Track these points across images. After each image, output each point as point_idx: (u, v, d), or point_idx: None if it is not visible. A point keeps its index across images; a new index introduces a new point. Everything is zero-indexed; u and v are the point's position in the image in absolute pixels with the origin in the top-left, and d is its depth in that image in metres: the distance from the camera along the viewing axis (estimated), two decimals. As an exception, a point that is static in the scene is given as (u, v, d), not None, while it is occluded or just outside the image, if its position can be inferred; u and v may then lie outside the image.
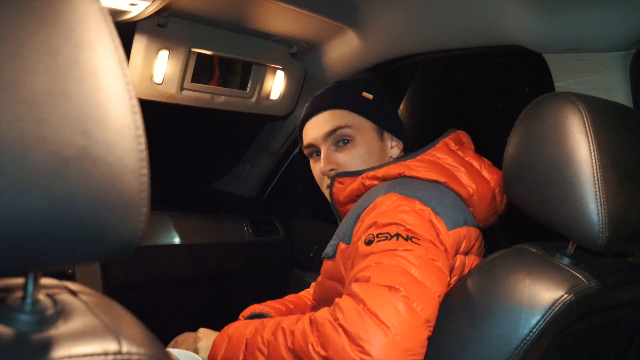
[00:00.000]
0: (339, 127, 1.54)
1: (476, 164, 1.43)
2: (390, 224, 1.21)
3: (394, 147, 1.61)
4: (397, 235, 1.19)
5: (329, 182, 1.56)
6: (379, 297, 1.07)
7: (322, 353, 1.07)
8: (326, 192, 1.58)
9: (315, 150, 1.62)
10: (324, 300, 1.41)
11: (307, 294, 1.82)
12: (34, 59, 0.47)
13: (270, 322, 1.25)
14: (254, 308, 1.65)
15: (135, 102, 0.52)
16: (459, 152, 1.45)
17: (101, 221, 0.48)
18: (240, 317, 1.63)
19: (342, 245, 1.36)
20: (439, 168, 1.38)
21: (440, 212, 1.27)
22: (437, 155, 1.43)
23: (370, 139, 1.56)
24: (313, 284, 1.85)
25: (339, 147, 1.56)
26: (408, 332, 1.04)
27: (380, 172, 1.41)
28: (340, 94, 1.60)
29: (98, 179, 0.47)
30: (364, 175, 1.44)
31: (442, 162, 1.41)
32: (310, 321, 1.14)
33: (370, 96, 1.59)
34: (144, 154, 0.51)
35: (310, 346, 1.09)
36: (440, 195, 1.31)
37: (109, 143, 0.49)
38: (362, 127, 1.56)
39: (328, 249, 1.41)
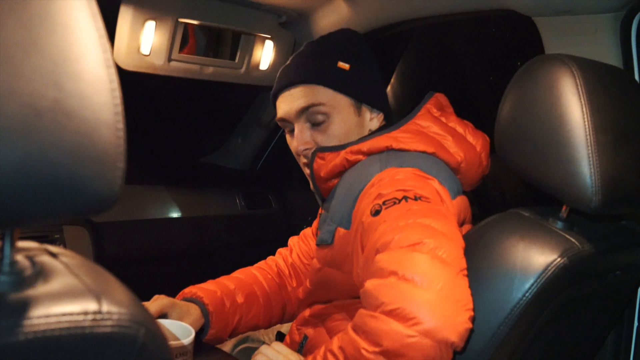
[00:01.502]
0: (312, 105, 1.43)
1: (460, 129, 1.39)
2: (396, 190, 1.15)
3: (373, 119, 1.50)
4: (405, 197, 1.13)
5: (304, 159, 1.48)
6: (406, 259, 1.00)
7: (377, 349, 0.95)
8: (304, 168, 1.51)
9: (288, 125, 1.51)
10: (323, 285, 1.39)
11: (264, 265, 1.74)
12: (4, 11, 0.45)
13: (319, 351, 1.12)
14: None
15: (110, 56, 0.50)
16: (442, 118, 1.40)
17: (77, 175, 0.47)
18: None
19: (340, 231, 1.29)
20: (425, 138, 1.33)
21: (442, 181, 1.25)
22: (421, 123, 1.36)
23: (346, 115, 1.45)
24: (280, 250, 1.81)
25: (314, 125, 1.45)
26: (450, 283, 0.96)
27: (365, 146, 1.34)
28: (314, 66, 1.47)
29: (72, 132, 0.46)
30: (347, 149, 1.37)
31: (427, 131, 1.35)
32: (352, 328, 1.03)
33: (346, 66, 1.46)
34: (119, 108, 0.49)
35: (363, 351, 0.97)
36: (435, 165, 1.28)
37: (83, 96, 0.47)
38: (338, 104, 1.45)
39: (325, 235, 1.33)
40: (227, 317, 1.51)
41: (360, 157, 1.35)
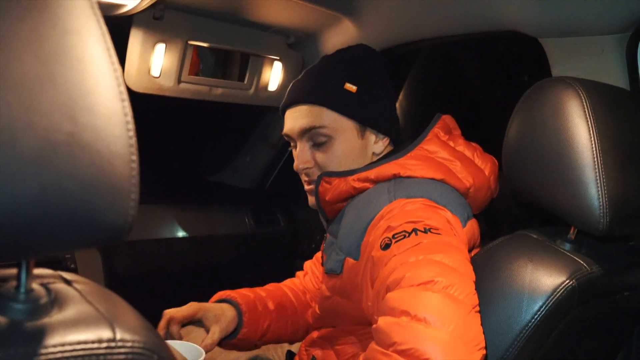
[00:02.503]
0: (314, 127, 1.42)
1: (468, 153, 1.38)
2: (406, 223, 1.13)
3: (377, 143, 1.47)
4: (415, 230, 1.11)
5: (305, 177, 1.49)
6: (418, 298, 0.98)
7: None
8: (306, 186, 1.51)
9: (292, 141, 1.51)
10: (332, 313, 1.38)
11: (290, 284, 1.76)
12: (21, 46, 0.46)
13: None
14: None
15: (124, 89, 0.51)
16: (450, 142, 1.38)
17: (91, 207, 0.48)
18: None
19: (349, 261, 1.27)
20: (433, 164, 1.31)
21: (453, 210, 1.23)
22: (429, 149, 1.35)
23: (349, 138, 1.43)
24: (298, 273, 1.82)
25: (315, 145, 1.45)
26: (462, 323, 0.95)
27: (372, 174, 1.33)
28: (320, 87, 1.45)
29: (87, 165, 0.47)
30: (354, 176, 1.36)
31: (435, 157, 1.34)
32: None
33: (353, 88, 1.44)
34: (133, 140, 0.50)
35: None
36: (445, 192, 1.27)
37: (98, 129, 0.48)
38: (341, 127, 1.43)
39: (334, 265, 1.31)
40: (258, 319, 1.55)
41: (367, 185, 1.34)
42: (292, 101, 1.48)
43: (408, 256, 1.06)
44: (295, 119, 1.46)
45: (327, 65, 1.52)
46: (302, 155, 1.47)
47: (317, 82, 1.47)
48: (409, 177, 1.29)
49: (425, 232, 1.10)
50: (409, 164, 1.31)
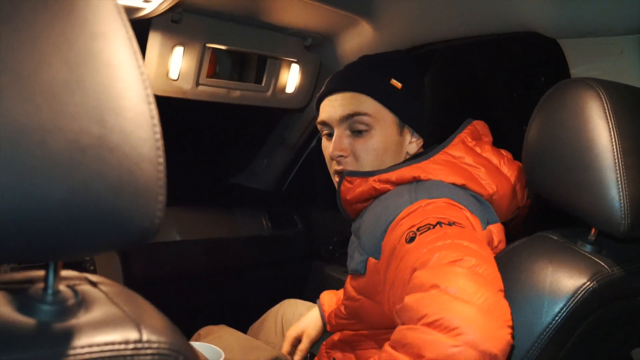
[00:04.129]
0: (358, 114, 1.42)
1: (495, 160, 1.37)
2: (429, 217, 1.14)
3: (412, 143, 1.48)
4: (439, 222, 1.11)
5: (336, 166, 1.47)
6: (448, 273, 0.97)
7: None
8: (334, 177, 1.51)
9: (328, 129, 1.50)
10: (357, 314, 1.37)
11: None
12: (50, 50, 0.47)
13: None
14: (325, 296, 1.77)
15: (150, 92, 0.52)
16: (477, 148, 1.38)
17: (119, 209, 0.48)
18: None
19: (371, 261, 1.27)
20: (456, 169, 1.31)
21: (473, 210, 1.23)
22: (454, 154, 1.35)
23: (389, 132, 1.44)
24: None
25: (354, 134, 1.44)
26: (492, 298, 0.93)
27: (393, 176, 1.33)
28: (368, 77, 1.46)
29: (115, 167, 0.48)
30: (375, 177, 1.35)
31: (459, 162, 1.34)
32: (390, 345, 0.98)
33: (399, 85, 1.45)
34: (160, 143, 0.51)
35: None
36: (464, 196, 1.26)
37: (125, 132, 0.49)
38: (383, 119, 1.43)
39: (357, 265, 1.30)
40: None
41: (388, 186, 1.34)
42: (334, 89, 1.47)
43: (435, 241, 1.06)
44: (336, 106, 1.45)
45: (372, 61, 1.53)
46: (338, 142, 1.45)
47: (363, 74, 1.48)
48: (429, 180, 1.29)
49: (449, 224, 1.10)
50: (431, 168, 1.30)
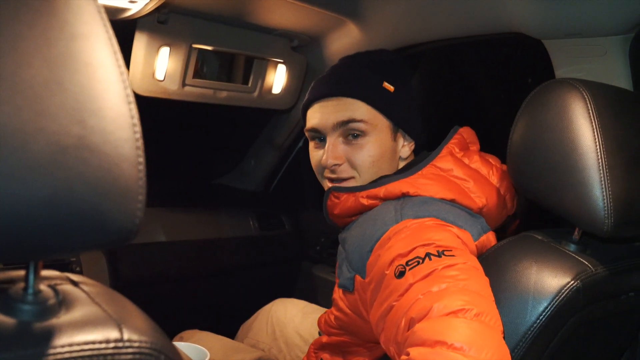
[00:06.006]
0: (353, 120, 1.36)
1: (484, 170, 1.34)
2: (415, 248, 1.10)
3: (405, 147, 1.44)
4: (427, 255, 1.07)
5: (330, 174, 1.42)
6: (452, 327, 0.94)
7: None
8: (323, 182, 1.46)
9: (318, 135, 1.44)
10: (347, 330, 1.35)
11: None
12: (31, 51, 0.47)
13: None
14: None
15: (130, 92, 0.52)
16: (465, 159, 1.35)
17: (99, 209, 0.48)
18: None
19: (358, 278, 1.23)
20: (445, 183, 1.27)
21: (462, 225, 1.21)
22: (442, 166, 1.31)
23: (383, 137, 1.40)
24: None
25: (348, 140, 1.39)
26: (497, 350, 0.93)
27: (381, 192, 1.29)
28: (360, 81, 1.40)
29: (96, 168, 0.48)
30: (363, 193, 1.32)
31: (448, 175, 1.30)
32: None
33: (391, 88, 1.40)
34: (140, 143, 0.51)
35: None
36: (453, 211, 1.23)
37: (105, 132, 0.49)
38: (378, 124, 1.39)
39: (346, 282, 1.27)
40: None
41: (376, 202, 1.31)
42: (324, 94, 1.42)
43: (429, 285, 1.02)
44: (329, 112, 1.40)
45: (361, 62, 1.48)
46: (333, 150, 1.40)
47: (354, 77, 1.42)
48: (417, 195, 1.26)
49: (439, 255, 1.07)
50: (420, 183, 1.27)
